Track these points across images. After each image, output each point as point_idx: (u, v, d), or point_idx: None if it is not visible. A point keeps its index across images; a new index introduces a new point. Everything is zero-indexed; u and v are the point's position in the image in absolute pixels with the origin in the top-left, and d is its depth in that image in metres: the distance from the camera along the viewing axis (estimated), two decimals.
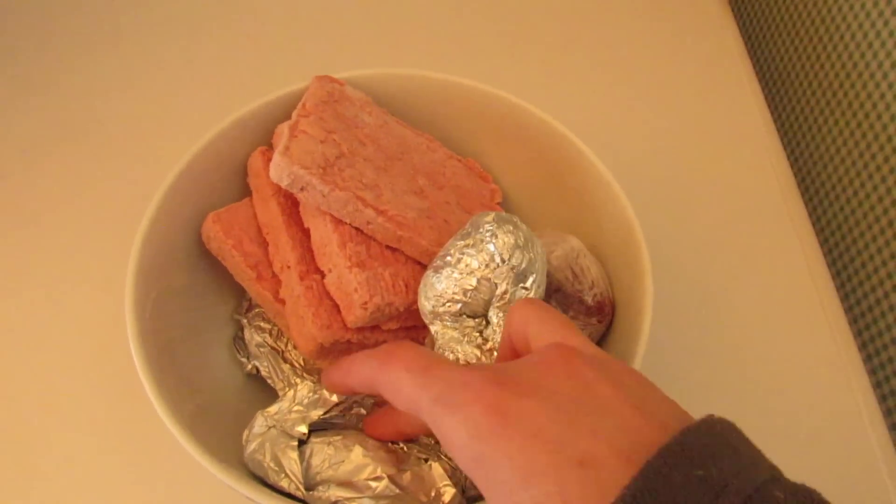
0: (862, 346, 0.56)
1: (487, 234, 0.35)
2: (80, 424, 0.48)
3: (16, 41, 0.66)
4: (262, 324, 0.45)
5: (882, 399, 0.53)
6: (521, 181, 0.49)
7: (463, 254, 0.35)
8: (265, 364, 0.44)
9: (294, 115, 0.42)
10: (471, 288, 0.35)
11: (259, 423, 0.37)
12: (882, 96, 0.55)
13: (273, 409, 0.37)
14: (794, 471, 0.23)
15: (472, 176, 0.48)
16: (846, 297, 0.59)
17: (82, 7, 0.69)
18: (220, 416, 0.42)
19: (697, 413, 0.25)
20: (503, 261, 0.35)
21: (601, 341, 0.43)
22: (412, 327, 0.42)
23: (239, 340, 0.46)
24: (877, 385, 0.54)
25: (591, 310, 0.42)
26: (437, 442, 0.36)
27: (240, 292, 0.47)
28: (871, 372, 0.54)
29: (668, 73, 0.65)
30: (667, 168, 0.60)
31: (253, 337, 0.45)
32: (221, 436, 0.38)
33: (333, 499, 0.34)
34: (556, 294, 0.41)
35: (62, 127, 0.61)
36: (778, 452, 0.24)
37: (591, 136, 0.45)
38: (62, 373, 0.49)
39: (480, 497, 0.35)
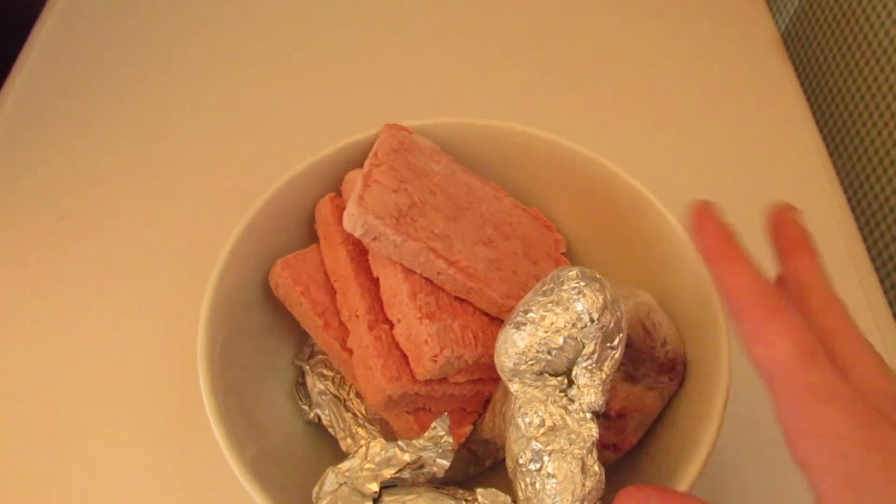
0: None
1: (574, 292, 0.34)
2: (142, 461, 0.47)
3: (84, 78, 0.68)
4: (324, 371, 0.45)
5: None
6: (584, 231, 0.49)
7: (548, 311, 0.35)
8: (327, 412, 0.44)
9: (366, 163, 0.42)
10: (556, 346, 0.34)
11: (330, 479, 0.36)
12: None
13: (345, 465, 0.36)
14: None
15: (536, 225, 0.48)
16: None
17: (155, 46, 0.70)
18: (281, 461, 0.41)
19: None
20: (592, 320, 0.34)
21: (672, 400, 0.42)
22: (479, 380, 0.42)
23: (300, 387, 0.45)
24: None
25: (663, 367, 0.41)
26: (513, 500, 0.35)
27: (301, 338, 0.47)
28: None
29: (723, 117, 0.65)
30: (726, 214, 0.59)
31: (315, 384, 0.44)
32: (283, 483, 0.38)
33: None
34: (627, 350, 0.41)
35: (137, 165, 0.62)
36: None
37: (649, 183, 0.45)
38: (128, 408, 0.49)
39: None
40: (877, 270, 0.60)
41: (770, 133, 0.64)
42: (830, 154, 0.64)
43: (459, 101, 0.65)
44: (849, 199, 0.65)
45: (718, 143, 0.63)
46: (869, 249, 0.63)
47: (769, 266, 0.55)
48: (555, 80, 0.67)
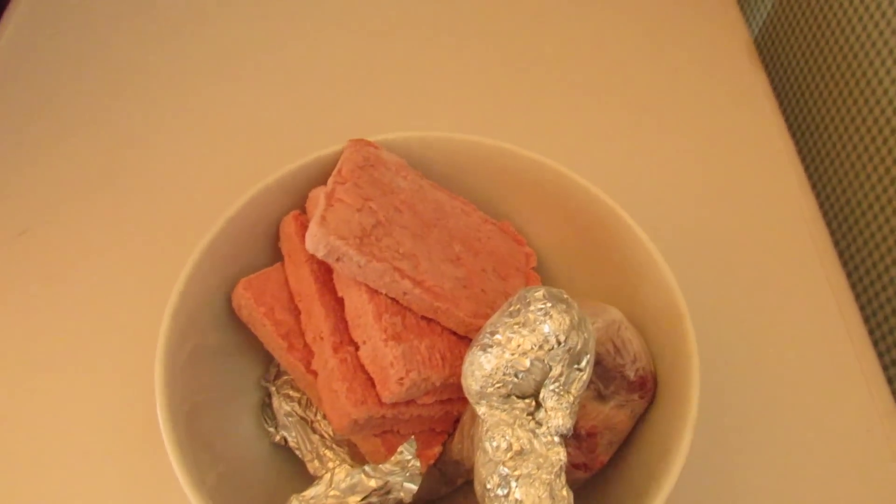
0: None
1: (541, 314, 0.34)
2: (97, 482, 0.46)
3: (44, 92, 0.66)
4: (290, 392, 0.44)
5: None
6: (555, 245, 0.48)
7: (514, 333, 0.34)
8: (293, 434, 0.43)
9: (330, 181, 0.41)
10: (523, 369, 0.34)
11: None
12: None
13: (309, 493, 0.35)
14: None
15: (506, 239, 0.47)
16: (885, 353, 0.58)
17: (114, 60, 0.69)
18: (245, 486, 0.40)
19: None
20: (559, 342, 0.33)
21: (643, 417, 0.41)
22: (448, 400, 0.41)
23: (267, 408, 0.45)
24: None
25: (634, 385, 0.40)
26: None
27: (267, 358, 0.46)
28: None
29: (695, 123, 0.65)
30: (696, 227, 0.59)
31: (282, 406, 0.43)
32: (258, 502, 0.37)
33: None
34: (597, 368, 0.40)
35: (99, 180, 0.60)
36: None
37: (619, 195, 0.44)
38: (84, 429, 0.48)
39: None
40: (848, 275, 0.60)
41: (742, 138, 0.64)
42: (802, 158, 0.64)
43: (427, 114, 0.64)
44: (820, 203, 0.65)
45: (690, 149, 0.63)
46: (841, 254, 0.63)
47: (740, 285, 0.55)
48: (524, 93, 0.67)
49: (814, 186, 0.66)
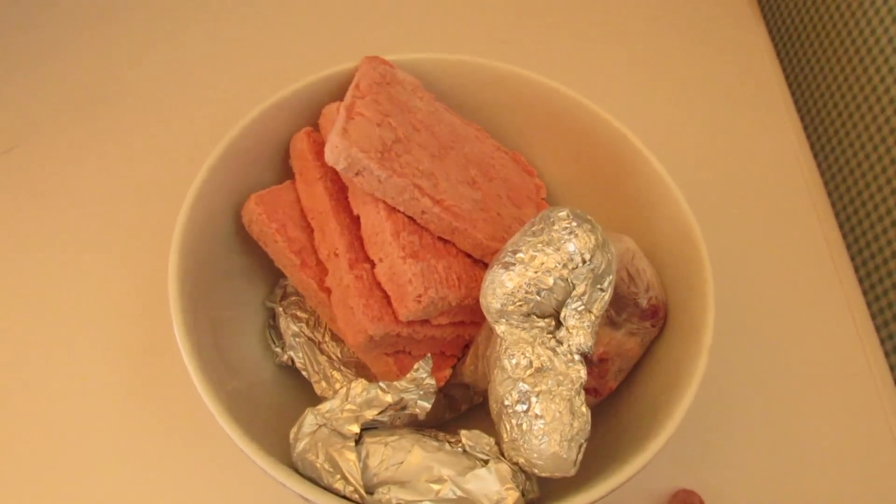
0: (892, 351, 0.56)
1: (565, 232, 0.34)
2: (114, 404, 0.45)
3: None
4: (298, 312, 0.43)
5: None
6: (566, 177, 0.48)
7: (538, 251, 0.34)
8: (300, 355, 0.42)
9: (348, 95, 0.40)
10: (546, 287, 0.34)
11: (309, 420, 0.35)
12: None
13: (325, 406, 0.35)
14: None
15: (518, 170, 0.46)
16: (868, 293, 0.59)
17: None
18: (254, 403, 0.40)
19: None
20: (584, 261, 0.33)
21: (652, 345, 0.42)
22: (460, 323, 0.41)
23: (272, 329, 0.44)
24: None
25: (646, 313, 0.41)
26: (497, 442, 0.35)
27: (273, 279, 0.45)
28: None
29: (701, 70, 0.65)
30: (695, 170, 0.59)
31: (289, 326, 0.43)
32: (256, 423, 0.36)
33: (395, 501, 0.32)
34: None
35: (98, 94, 0.58)
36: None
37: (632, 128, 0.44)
38: (96, 353, 0.47)
39: (540, 500, 0.34)
40: (837, 215, 0.61)
41: (743, 87, 0.64)
42: (799, 110, 0.64)
43: (442, 36, 0.63)
44: (815, 155, 0.66)
45: (696, 96, 0.63)
46: (833, 204, 0.64)
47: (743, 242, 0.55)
48: (540, 21, 0.65)
49: (809, 137, 0.67)
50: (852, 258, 0.59)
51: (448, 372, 0.41)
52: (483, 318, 0.40)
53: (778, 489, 0.45)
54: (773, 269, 0.54)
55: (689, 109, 0.62)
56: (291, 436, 0.35)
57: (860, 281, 0.57)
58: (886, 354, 0.54)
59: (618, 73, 0.63)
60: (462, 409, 0.44)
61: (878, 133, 0.60)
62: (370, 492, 0.33)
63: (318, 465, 0.33)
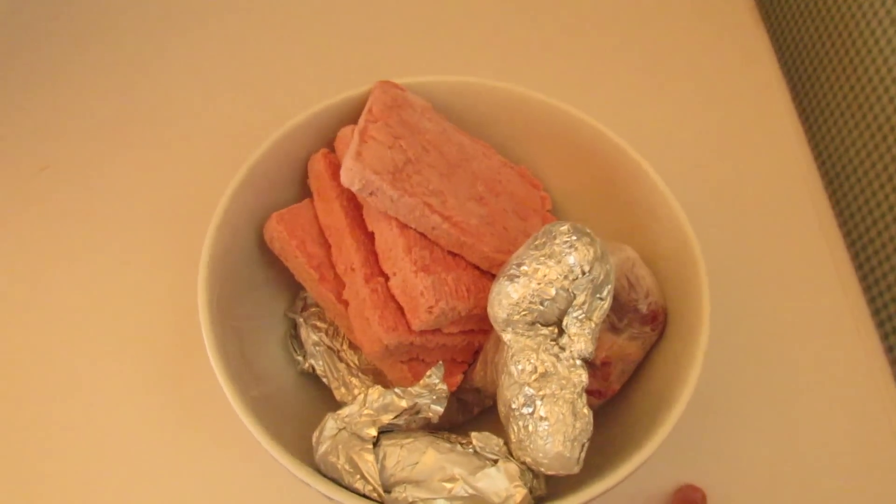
0: (888, 350, 0.58)
1: (566, 246, 0.36)
2: (144, 410, 0.48)
3: (70, 21, 0.66)
4: (317, 323, 0.46)
5: None
6: (570, 189, 0.50)
7: (540, 264, 0.36)
8: (321, 363, 0.45)
9: (361, 120, 0.42)
10: (548, 298, 0.36)
11: (330, 425, 0.37)
12: None
13: (344, 411, 0.37)
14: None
15: (523, 183, 0.49)
16: (870, 290, 0.61)
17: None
18: (277, 409, 0.42)
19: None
20: (583, 273, 0.36)
21: (652, 349, 0.44)
22: (470, 331, 0.43)
23: (293, 339, 0.47)
24: None
25: (646, 318, 0.43)
26: (505, 443, 0.37)
27: (294, 291, 0.48)
28: None
29: (702, 80, 0.66)
30: (695, 173, 0.61)
31: (309, 335, 0.45)
32: (280, 428, 0.39)
33: (411, 499, 0.35)
34: (612, 301, 0.43)
35: (126, 115, 0.61)
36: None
37: (632, 142, 0.46)
38: (129, 363, 0.49)
39: (547, 497, 0.37)
40: (839, 215, 0.62)
41: (743, 92, 0.66)
42: (800, 114, 0.66)
43: (451, 59, 0.65)
44: (816, 157, 0.68)
45: (696, 102, 0.65)
46: (834, 206, 0.65)
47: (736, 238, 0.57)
48: (539, 37, 0.68)
49: (810, 140, 0.68)
50: (853, 258, 0.60)
51: (459, 377, 0.44)
52: (490, 326, 0.42)
53: (779, 484, 0.47)
54: (775, 269, 0.56)
55: (691, 115, 0.64)
56: (314, 439, 0.38)
57: (861, 280, 0.59)
58: (888, 350, 0.56)
59: (618, 81, 0.65)
60: (474, 412, 0.46)
61: (879, 132, 0.61)
62: (388, 490, 0.35)
63: (339, 466, 0.36)
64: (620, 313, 0.43)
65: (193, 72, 0.64)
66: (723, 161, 0.62)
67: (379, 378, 0.45)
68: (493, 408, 0.45)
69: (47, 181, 0.57)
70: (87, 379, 0.49)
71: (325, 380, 0.45)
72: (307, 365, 0.45)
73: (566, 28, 0.69)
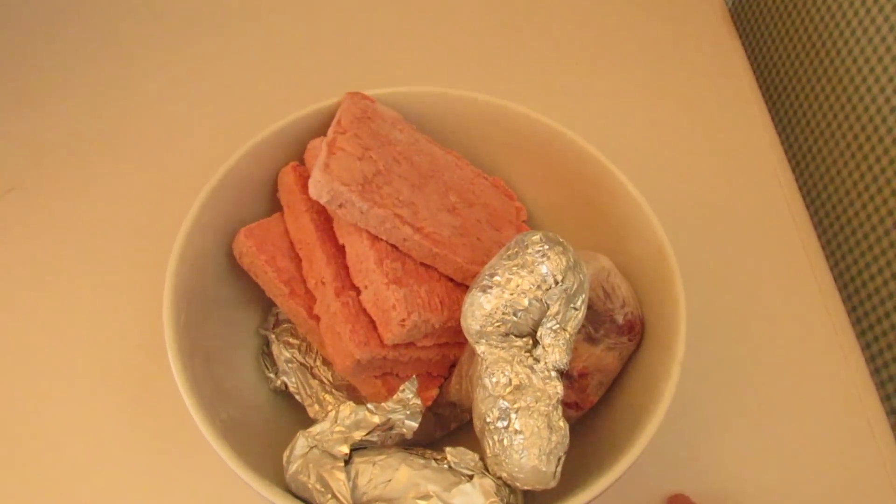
0: (870, 360, 0.58)
1: (538, 255, 0.35)
2: (114, 429, 0.47)
3: (32, 42, 0.65)
4: (290, 339, 0.45)
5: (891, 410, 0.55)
6: (544, 199, 0.50)
7: (513, 274, 0.36)
8: (293, 380, 0.44)
9: (330, 131, 0.42)
10: (522, 308, 0.35)
11: (301, 443, 0.36)
12: (882, 90, 0.57)
13: (315, 429, 0.36)
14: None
15: (498, 194, 0.48)
16: (850, 299, 0.61)
17: (104, 9, 0.68)
18: (249, 429, 0.41)
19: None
20: (556, 282, 0.35)
21: (631, 360, 0.43)
22: (444, 344, 0.42)
23: (265, 356, 0.46)
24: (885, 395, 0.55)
25: (622, 329, 0.42)
26: (481, 458, 0.36)
27: (265, 307, 0.47)
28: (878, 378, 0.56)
29: (676, 90, 0.67)
30: (670, 182, 0.61)
31: (282, 352, 0.44)
32: (252, 449, 0.38)
33: None
34: (588, 312, 0.42)
35: (91, 134, 0.60)
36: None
37: (607, 152, 0.46)
38: (93, 382, 0.48)
39: None
40: (817, 225, 0.62)
41: (718, 103, 0.66)
42: (776, 125, 0.66)
43: (421, 69, 0.65)
44: (794, 165, 0.68)
45: (671, 113, 0.65)
46: (812, 215, 0.65)
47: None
48: (515, 53, 0.68)
49: (787, 150, 0.69)
50: (831, 265, 0.60)
51: (435, 391, 0.43)
52: (465, 338, 0.41)
53: (767, 488, 0.46)
54: (752, 276, 0.56)
55: (666, 125, 0.64)
56: (284, 458, 0.37)
57: (840, 289, 0.59)
58: (869, 359, 0.56)
59: (591, 92, 0.66)
60: (451, 427, 0.45)
61: (855, 141, 0.62)
62: None
63: (309, 486, 0.35)
64: (597, 324, 0.42)
65: (161, 89, 0.63)
66: (698, 170, 0.62)
67: (353, 394, 0.44)
68: (470, 423, 0.44)
69: (12, 203, 0.55)
70: (54, 402, 0.47)
71: (298, 397, 0.44)
72: (280, 382, 0.44)
73: (540, 39, 0.69)
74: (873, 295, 0.59)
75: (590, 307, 0.42)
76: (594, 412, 0.43)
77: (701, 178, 0.61)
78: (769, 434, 0.48)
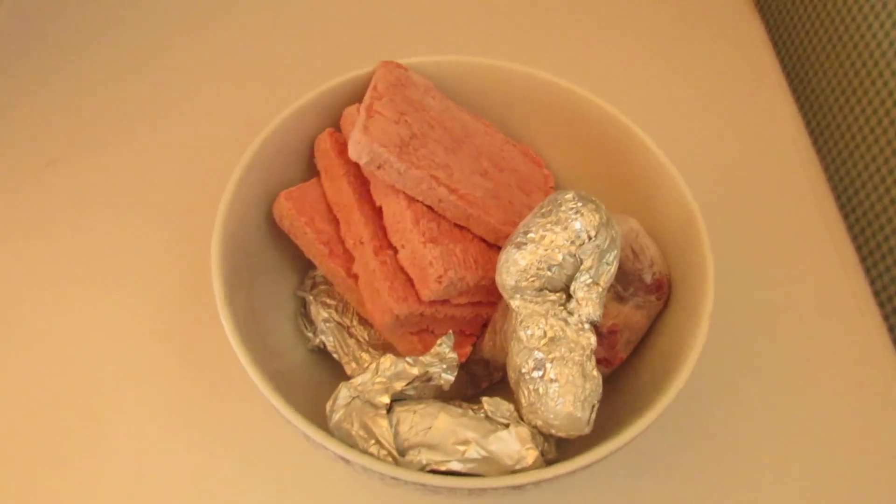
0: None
1: (572, 212, 0.37)
2: (160, 396, 0.48)
3: (73, 13, 0.67)
4: (327, 300, 0.46)
5: None
6: (572, 167, 0.51)
7: (547, 231, 0.37)
8: (331, 339, 0.46)
9: (367, 96, 0.43)
10: (556, 263, 0.37)
11: (343, 394, 0.38)
12: None
13: (357, 380, 0.38)
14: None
15: (526, 161, 0.50)
16: (870, 271, 0.62)
17: None
18: (292, 384, 0.43)
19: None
20: (589, 238, 0.36)
21: (658, 318, 0.45)
22: (478, 303, 0.44)
23: (303, 316, 0.47)
24: None
25: (650, 287, 0.43)
26: (516, 409, 0.38)
27: (302, 271, 0.48)
28: None
29: (699, 65, 0.67)
30: (696, 158, 0.61)
31: (319, 312, 0.46)
32: (296, 403, 0.39)
33: (424, 462, 0.35)
34: (617, 271, 0.43)
35: (131, 105, 0.61)
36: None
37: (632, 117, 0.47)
38: (145, 345, 0.50)
39: (557, 460, 0.37)
40: (837, 198, 0.63)
41: (740, 80, 0.67)
42: (797, 98, 0.67)
43: (452, 39, 0.66)
44: (814, 142, 0.68)
45: (696, 83, 0.66)
46: (830, 178, 0.66)
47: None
48: (543, 20, 0.69)
49: (807, 124, 0.69)
50: (851, 236, 0.61)
51: (468, 349, 0.44)
52: (498, 298, 0.43)
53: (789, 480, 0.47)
54: (773, 253, 0.56)
55: (690, 99, 0.65)
56: (328, 408, 0.38)
57: (862, 260, 0.59)
58: (891, 329, 0.57)
59: (619, 63, 0.66)
60: (483, 385, 0.47)
61: (875, 115, 0.62)
62: (402, 454, 0.36)
63: (353, 433, 0.36)
64: (625, 283, 0.43)
65: (197, 59, 0.65)
66: (723, 142, 0.62)
67: (389, 352, 0.45)
68: (501, 382, 0.46)
69: (55, 174, 0.57)
70: (101, 368, 0.49)
71: (335, 355, 0.46)
72: (318, 341, 0.46)
73: (568, 8, 0.70)
74: (893, 267, 0.60)
75: (619, 266, 0.43)
76: (623, 369, 0.44)
77: (724, 148, 0.62)
78: (795, 425, 0.48)
